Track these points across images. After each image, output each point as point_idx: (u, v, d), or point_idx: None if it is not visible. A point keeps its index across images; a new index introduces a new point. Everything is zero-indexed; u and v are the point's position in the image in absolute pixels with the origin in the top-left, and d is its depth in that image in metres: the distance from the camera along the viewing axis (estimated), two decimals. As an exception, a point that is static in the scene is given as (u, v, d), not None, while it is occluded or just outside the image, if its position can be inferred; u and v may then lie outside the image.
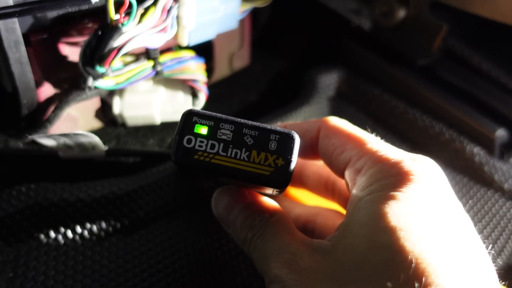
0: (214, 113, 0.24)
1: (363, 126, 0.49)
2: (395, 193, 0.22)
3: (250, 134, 0.24)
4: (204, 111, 0.24)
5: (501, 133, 0.44)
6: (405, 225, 0.21)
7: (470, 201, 0.41)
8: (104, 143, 0.41)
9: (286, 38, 0.57)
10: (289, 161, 0.23)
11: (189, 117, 0.24)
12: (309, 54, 0.56)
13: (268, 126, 0.24)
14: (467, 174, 0.43)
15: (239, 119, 0.24)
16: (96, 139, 0.36)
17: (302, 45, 0.57)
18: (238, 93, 0.49)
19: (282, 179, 0.23)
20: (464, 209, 0.24)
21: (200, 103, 0.43)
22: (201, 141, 0.24)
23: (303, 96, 0.48)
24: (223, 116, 0.24)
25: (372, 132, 0.48)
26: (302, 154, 0.30)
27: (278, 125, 0.29)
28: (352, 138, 0.27)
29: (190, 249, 0.34)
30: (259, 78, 0.52)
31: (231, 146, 0.24)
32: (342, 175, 0.28)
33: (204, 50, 0.45)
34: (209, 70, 0.48)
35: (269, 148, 0.24)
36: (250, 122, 0.24)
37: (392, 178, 0.23)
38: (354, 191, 0.25)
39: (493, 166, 0.43)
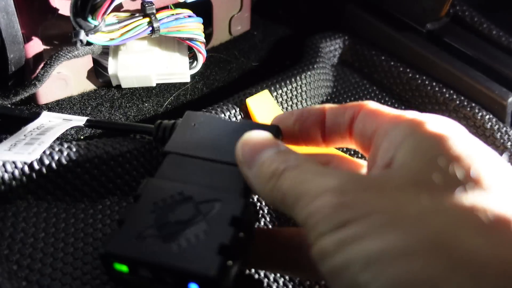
0: (131, 255, 0.23)
1: (368, 94, 0.48)
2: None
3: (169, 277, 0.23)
4: (122, 252, 0.23)
5: (513, 99, 0.42)
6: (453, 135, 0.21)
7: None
8: (97, 105, 0.39)
9: (287, 3, 0.55)
10: None
11: (106, 259, 0.23)
12: (311, 20, 0.54)
13: (185, 266, 0.22)
14: (478, 141, 0.42)
15: (157, 260, 0.23)
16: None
17: (303, 10, 0.54)
18: (237, 58, 0.47)
19: None
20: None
21: (198, 65, 0.41)
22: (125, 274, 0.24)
23: (306, 61, 0.46)
24: (140, 258, 0.23)
25: (376, 101, 0.46)
26: (332, 141, 0.29)
27: (316, 107, 0.28)
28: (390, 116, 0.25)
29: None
30: (259, 44, 0.50)
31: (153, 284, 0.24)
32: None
33: (203, 13, 0.43)
34: (208, 35, 0.46)
35: None
36: (168, 264, 0.22)
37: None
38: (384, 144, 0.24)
39: (505, 133, 0.41)
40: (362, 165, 0.29)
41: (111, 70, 0.39)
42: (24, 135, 0.31)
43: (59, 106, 0.38)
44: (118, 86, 0.40)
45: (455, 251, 0.17)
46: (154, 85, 0.40)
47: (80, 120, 0.34)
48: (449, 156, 0.20)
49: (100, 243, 0.30)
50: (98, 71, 0.40)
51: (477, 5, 0.49)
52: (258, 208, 0.34)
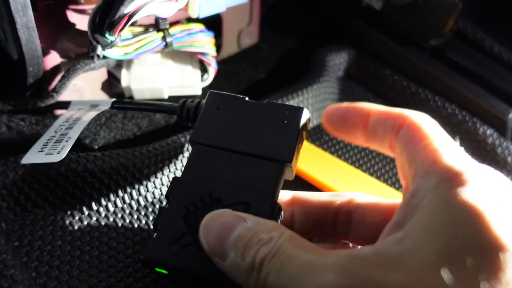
0: (169, 263, 0.24)
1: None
2: (462, 185, 0.20)
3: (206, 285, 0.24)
4: (160, 260, 0.25)
5: (514, 115, 0.43)
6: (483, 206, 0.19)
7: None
8: (111, 116, 0.40)
9: (294, 16, 0.56)
10: None
11: (146, 264, 0.25)
12: (318, 33, 0.55)
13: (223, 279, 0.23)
14: (479, 156, 0.43)
15: (194, 269, 0.24)
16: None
17: (310, 24, 0.56)
18: (245, 70, 0.48)
19: None
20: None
21: (209, 78, 0.42)
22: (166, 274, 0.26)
23: (312, 75, 0.47)
24: (178, 266, 0.24)
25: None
26: (372, 144, 0.27)
27: (361, 108, 0.27)
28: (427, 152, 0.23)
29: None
30: (267, 56, 0.51)
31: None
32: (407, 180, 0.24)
33: (213, 26, 0.44)
34: (217, 47, 0.47)
35: None
36: (204, 275, 0.24)
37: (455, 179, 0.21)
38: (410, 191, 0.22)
39: (506, 148, 0.42)
40: (391, 207, 0.27)
41: (124, 82, 0.40)
42: (55, 131, 0.32)
43: (74, 117, 0.39)
44: (131, 98, 0.41)
45: None
46: (166, 97, 0.41)
47: (106, 103, 0.35)
48: (480, 244, 0.18)
49: (115, 252, 0.31)
50: (112, 83, 0.41)
51: (479, 21, 0.50)
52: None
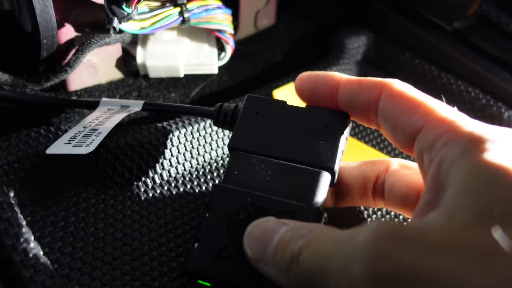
0: (213, 275, 0.24)
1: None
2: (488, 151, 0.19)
3: None
4: (205, 272, 0.24)
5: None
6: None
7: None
8: (125, 94, 0.39)
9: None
10: None
11: (189, 276, 0.25)
12: (336, 16, 0.54)
13: None
14: (504, 141, 0.41)
15: (240, 282, 0.23)
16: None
17: (328, 6, 0.54)
18: (262, 52, 0.47)
19: None
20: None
21: (226, 57, 0.41)
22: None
23: (331, 57, 0.46)
24: (223, 278, 0.23)
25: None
26: (357, 117, 0.27)
27: (329, 77, 0.27)
28: (423, 103, 0.23)
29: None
30: (284, 38, 0.49)
31: None
32: (406, 142, 0.24)
33: (230, 6, 0.43)
34: (234, 28, 0.46)
35: None
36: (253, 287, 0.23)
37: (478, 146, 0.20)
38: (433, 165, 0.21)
39: (532, 132, 0.41)
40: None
41: (139, 59, 0.39)
42: (84, 127, 0.31)
43: (88, 93, 0.38)
44: (146, 76, 0.40)
45: None
46: (182, 75, 0.40)
47: (137, 105, 0.33)
48: None
49: (130, 230, 0.30)
50: (126, 60, 0.40)
51: (503, 5, 0.49)
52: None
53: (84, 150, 0.28)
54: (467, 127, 0.21)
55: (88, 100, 0.36)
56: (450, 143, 0.21)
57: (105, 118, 0.32)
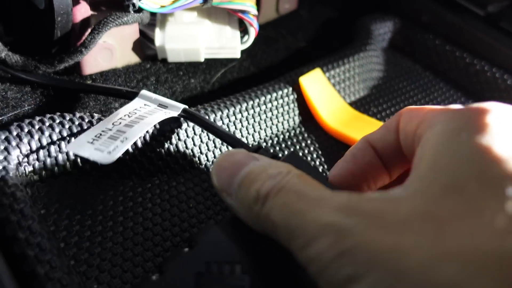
0: None
1: (421, 79, 0.45)
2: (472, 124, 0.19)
3: None
4: None
5: None
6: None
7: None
8: (143, 78, 0.36)
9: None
10: None
11: None
12: (358, 1, 0.51)
13: None
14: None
15: None
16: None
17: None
18: (285, 37, 0.45)
19: None
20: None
21: (249, 40, 0.39)
22: None
23: (358, 43, 0.44)
24: None
25: (430, 87, 0.43)
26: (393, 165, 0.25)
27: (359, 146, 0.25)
28: (426, 109, 0.22)
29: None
30: (306, 24, 0.47)
31: None
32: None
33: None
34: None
35: None
36: None
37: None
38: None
39: None
40: None
41: (158, 42, 0.36)
42: (113, 124, 0.28)
43: (103, 78, 0.35)
44: (164, 60, 0.38)
45: None
46: (202, 60, 0.38)
47: (176, 109, 0.30)
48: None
49: (151, 224, 0.28)
50: (144, 44, 0.38)
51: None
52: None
53: (105, 158, 0.25)
54: (451, 107, 0.21)
55: (125, 89, 0.33)
56: (432, 124, 0.20)
57: (137, 118, 0.28)
